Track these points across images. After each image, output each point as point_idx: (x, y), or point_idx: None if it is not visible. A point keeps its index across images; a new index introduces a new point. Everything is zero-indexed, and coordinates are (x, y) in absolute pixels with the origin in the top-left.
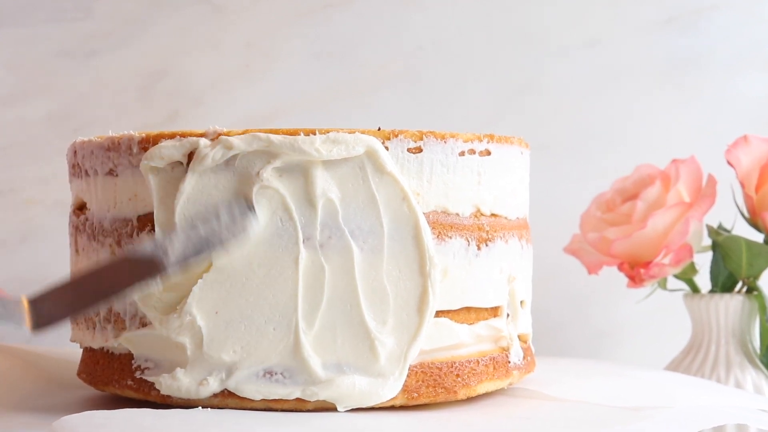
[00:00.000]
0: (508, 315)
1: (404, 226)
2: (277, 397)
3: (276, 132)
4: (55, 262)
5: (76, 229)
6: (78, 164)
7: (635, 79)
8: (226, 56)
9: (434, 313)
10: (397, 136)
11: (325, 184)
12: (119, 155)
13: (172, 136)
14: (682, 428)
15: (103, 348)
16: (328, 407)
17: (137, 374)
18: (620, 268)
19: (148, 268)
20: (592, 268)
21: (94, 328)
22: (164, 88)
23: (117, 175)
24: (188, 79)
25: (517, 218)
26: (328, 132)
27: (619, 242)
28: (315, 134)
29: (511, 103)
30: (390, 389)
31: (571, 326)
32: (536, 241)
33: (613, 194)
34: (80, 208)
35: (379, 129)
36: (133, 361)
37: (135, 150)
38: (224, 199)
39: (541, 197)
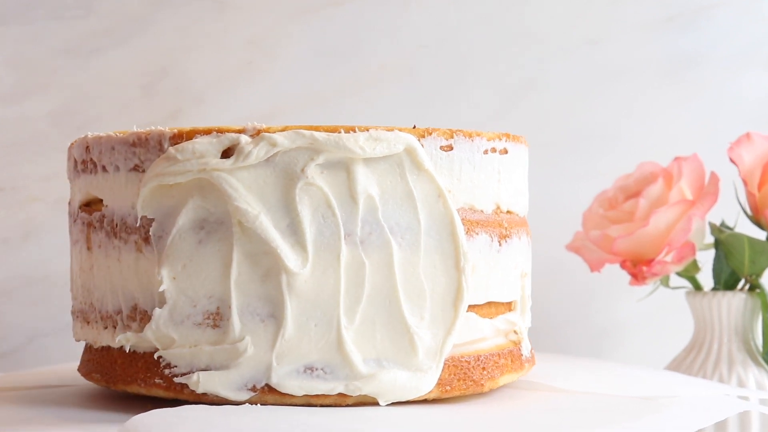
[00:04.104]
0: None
1: (440, 222)
2: (319, 393)
3: (317, 129)
4: (57, 259)
5: (89, 226)
6: (91, 160)
7: (637, 77)
8: (229, 54)
9: (467, 307)
10: (431, 134)
11: (365, 180)
12: (147, 151)
13: (207, 132)
14: (699, 418)
15: (122, 347)
16: (368, 402)
17: (166, 372)
18: (622, 265)
19: None
20: (595, 266)
21: (114, 327)
22: (166, 86)
23: (144, 171)
24: (190, 77)
25: (524, 215)
26: (368, 129)
27: (621, 240)
28: (355, 131)
29: (512, 101)
30: (428, 383)
31: (574, 324)
32: (539, 239)
33: (615, 192)
34: (88, 204)
35: (414, 127)
36: (161, 360)
37: (166, 145)
38: None
39: (543, 195)
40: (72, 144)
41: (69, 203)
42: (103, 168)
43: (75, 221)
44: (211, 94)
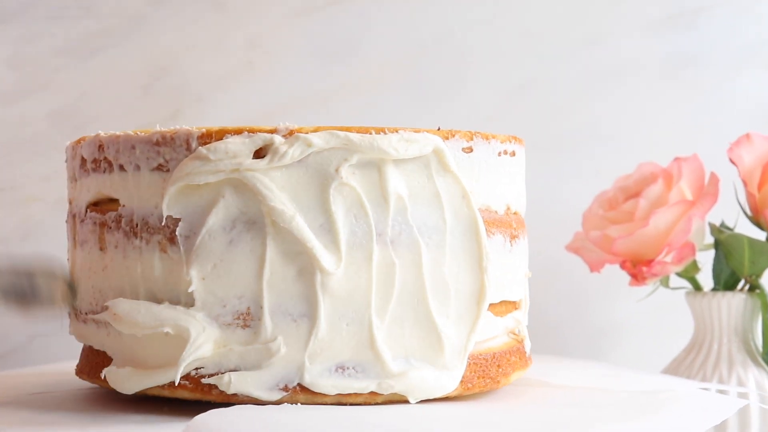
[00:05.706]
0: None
1: (464, 222)
2: (352, 392)
3: (350, 129)
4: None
5: (102, 226)
6: (105, 159)
7: (636, 77)
8: (228, 53)
9: (488, 306)
10: (453, 136)
11: (396, 181)
12: (173, 150)
13: (238, 132)
14: (700, 419)
15: None
16: (398, 400)
17: (193, 373)
18: (622, 266)
19: None
20: (594, 266)
21: None
22: (166, 86)
23: (169, 171)
24: (190, 77)
25: (524, 216)
26: (397, 131)
27: (621, 240)
28: (385, 132)
29: (512, 101)
30: (453, 381)
31: (573, 324)
32: (539, 239)
33: (615, 192)
34: (97, 203)
35: (438, 129)
36: None
37: (194, 145)
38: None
39: (543, 195)
40: (77, 142)
41: (70, 203)
42: (121, 167)
43: (83, 221)
44: (210, 94)
